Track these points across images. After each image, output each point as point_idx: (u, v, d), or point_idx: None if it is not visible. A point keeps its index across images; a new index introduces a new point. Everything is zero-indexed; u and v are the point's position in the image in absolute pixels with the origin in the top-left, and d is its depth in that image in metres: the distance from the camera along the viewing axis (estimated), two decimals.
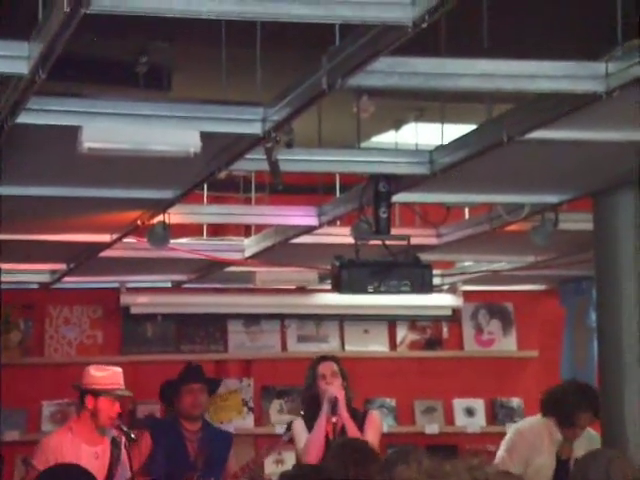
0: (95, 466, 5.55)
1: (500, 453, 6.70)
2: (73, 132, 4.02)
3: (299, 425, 6.48)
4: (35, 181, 5.09)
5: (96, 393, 6.43)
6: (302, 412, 6.63)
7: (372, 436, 6.34)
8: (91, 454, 6.31)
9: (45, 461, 6.09)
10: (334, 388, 6.33)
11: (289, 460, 8.43)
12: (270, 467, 8.46)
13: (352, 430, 6.28)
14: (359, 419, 6.42)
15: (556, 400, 6.55)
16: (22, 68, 3.46)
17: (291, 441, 6.66)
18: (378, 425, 6.54)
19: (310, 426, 6.37)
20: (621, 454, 4.92)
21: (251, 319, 8.89)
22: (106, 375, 6.52)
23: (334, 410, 6.26)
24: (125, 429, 6.51)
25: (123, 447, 6.49)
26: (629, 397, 5.46)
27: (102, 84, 4.76)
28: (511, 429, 6.91)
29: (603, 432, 5.60)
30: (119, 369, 6.63)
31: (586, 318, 8.16)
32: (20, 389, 8.15)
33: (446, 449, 8.58)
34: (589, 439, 6.61)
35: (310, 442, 6.30)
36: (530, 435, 6.65)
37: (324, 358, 6.65)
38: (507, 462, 6.51)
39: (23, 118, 3.91)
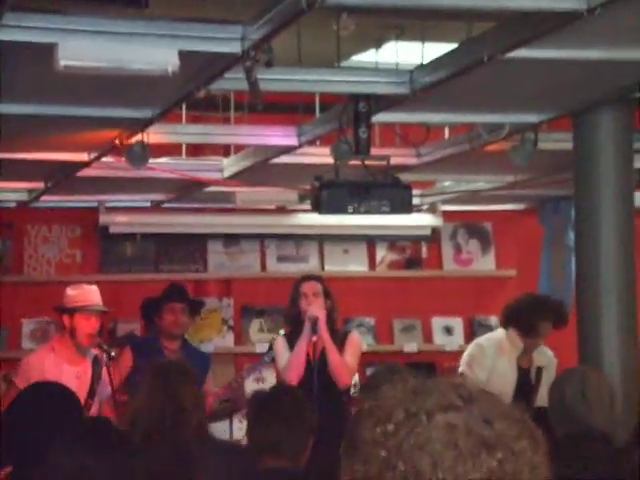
0: (76, 385, 5.59)
1: (461, 368, 6.84)
2: (49, 50, 3.97)
3: (280, 343, 6.53)
4: (12, 99, 5.04)
5: (71, 311, 6.48)
6: (283, 331, 6.68)
7: (350, 356, 6.42)
8: (72, 374, 6.36)
9: (26, 379, 6.12)
10: (315, 308, 6.36)
11: (270, 378, 8.51)
12: (251, 386, 8.53)
13: (331, 350, 6.34)
14: (339, 339, 6.47)
15: (517, 310, 6.73)
16: None
17: (273, 361, 6.72)
18: (358, 346, 6.60)
19: (292, 344, 6.42)
20: (595, 370, 5.00)
21: (231, 239, 8.90)
22: (80, 293, 6.57)
23: (314, 329, 6.30)
24: (105, 347, 6.56)
25: (104, 365, 6.53)
26: (606, 316, 5.52)
27: (77, 0, 4.68)
28: (471, 344, 7.04)
29: (580, 351, 5.67)
30: (94, 287, 6.67)
31: (564, 237, 8.21)
32: (0, 307, 8.17)
33: (425, 367, 8.67)
34: (545, 354, 6.80)
35: (291, 362, 6.35)
36: (489, 347, 6.80)
37: (307, 277, 6.68)
38: (469, 376, 6.62)
39: None
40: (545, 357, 6.87)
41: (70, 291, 6.61)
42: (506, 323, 6.81)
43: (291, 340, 6.46)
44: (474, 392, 1.60)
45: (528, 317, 6.66)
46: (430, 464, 1.52)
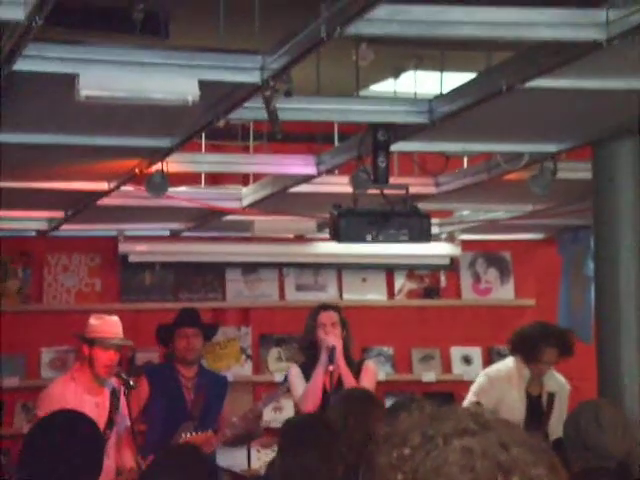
0: (95, 415, 5.57)
1: (469, 397, 6.83)
2: (70, 80, 4.00)
3: (295, 372, 6.52)
4: (33, 129, 5.07)
5: (90, 342, 6.47)
6: (296, 360, 6.67)
7: (368, 385, 6.40)
8: (92, 404, 6.34)
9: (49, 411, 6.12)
10: (332, 337, 6.36)
11: (288, 407, 8.50)
12: (269, 415, 8.52)
13: (348, 379, 6.33)
14: (355, 368, 6.46)
15: (522, 336, 6.79)
16: (19, 14, 3.43)
17: (288, 391, 6.70)
18: (373, 374, 6.59)
19: (307, 374, 6.41)
20: (610, 402, 4.98)
21: (249, 268, 8.91)
22: (101, 323, 6.54)
23: (331, 359, 6.30)
24: (124, 376, 6.55)
25: (122, 395, 6.52)
26: (626, 346, 5.49)
27: (98, 31, 4.72)
28: (480, 375, 7.04)
29: (599, 382, 5.63)
30: (115, 318, 6.65)
31: (583, 267, 8.18)
32: (19, 336, 8.19)
33: (443, 397, 8.64)
34: (556, 380, 6.79)
35: (308, 391, 6.34)
36: (498, 377, 6.82)
37: (325, 307, 6.67)
38: None
39: (20, 65, 3.89)
40: (556, 383, 6.86)
41: (92, 321, 6.59)
42: (513, 350, 6.83)
43: (305, 369, 6.45)
44: (491, 419, 1.60)
45: (531, 344, 6.71)
46: None
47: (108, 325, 6.56)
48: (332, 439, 4.30)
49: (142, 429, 6.80)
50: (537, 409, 6.72)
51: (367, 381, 6.44)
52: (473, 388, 6.90)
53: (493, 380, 6.80)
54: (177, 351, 7.01)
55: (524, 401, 6.72)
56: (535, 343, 6.68)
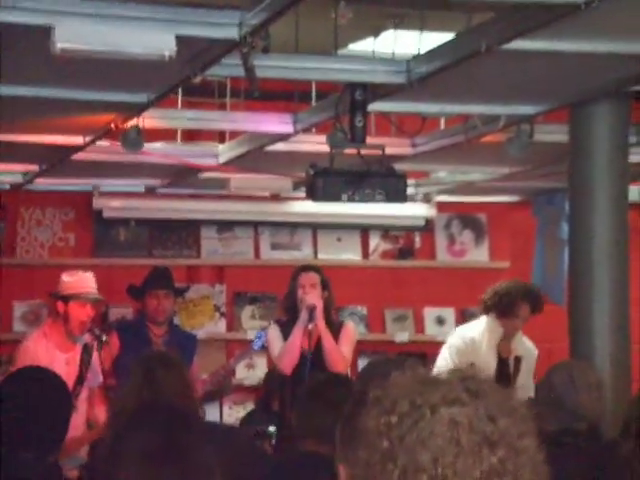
0: (65, 372, 5.58)
1: (443, 356, 6.86)
2: (46, 32, 3.96)
3: (274, 331, 6.53)
4: (8, 81, 5.02)
5: (66, 298, 6.45)
6: (276, 319, 6.69)
7: (345, 346, 6.44)
8: (63, 360, 6.35)
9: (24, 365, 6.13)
10: (313, 297, 6.37)
11: (260, 365, 8.52)
12: (241, 372, 8.54)
13: (327, 339, 6.36)
14: (334, 329, 6.48)
15: (496, 292, 6.82)
16: None
17: (261, 349, 6.72)
18: (352, 336, 6.62)
19: (286, 333, 6.42)
20: (583, 362, 5.02)
21: (224, 225, 8.89)
22: (75, 280, 6.54)
23: (311, 318, 6.31)
24: (97, 332, 6.55)
25: (95, 351, 6.52)
26: (598, 309, 5.53)
27: None
28: (452, 335, 7.07)
29: (571, 343, 5.68)
30: (90, 274, 6.64)
31: (558, 230, 8.21)
32: None
33: (416, 357, 8.67)
34: (524, 344, 6.85)
35: (285, 349, 6.35)
36: (469, 336, 6.85)
37: (305, 268, 6.67)
38: (448, 365, 6.66)
39: None
40: (524, 347, 6.92)
41: (66, 277, 6.58)
42: (485, 308, 6.89)
43: (285, 329, 6.46)
44: (483, 386, 1.59)
45: (507, 299, 6.77)
46: (431, 459, 1.53)
47: (83, 281, 6.56)
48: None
49: (113, 384, 6.81)
50: (504, 371, 6.77)
51: (346, 342, 6.48)
52: (447, 348, 6.92)
53: (465, 338, 6.85)
54: (148, 311, 7.02)
55: (494, 361, 6.77)
56: (511, 298, 6.76)
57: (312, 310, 6.31)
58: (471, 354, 6.76)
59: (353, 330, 6.70)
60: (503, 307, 6.77)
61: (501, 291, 6.85)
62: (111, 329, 7.19)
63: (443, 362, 6.79)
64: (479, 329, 6.89)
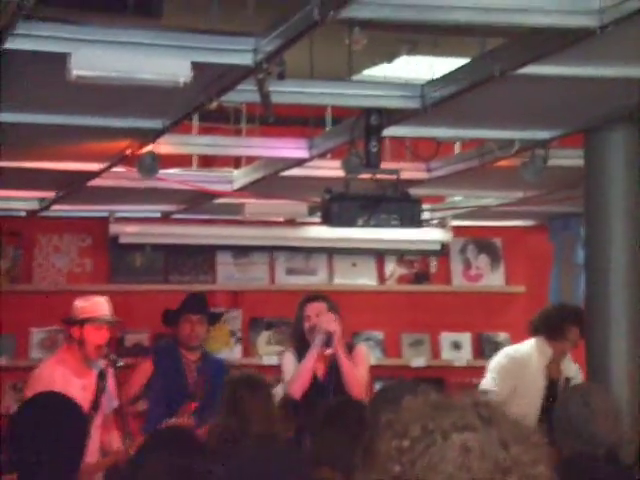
0: (81, 397, 5.57)
1: (489, 375, 6.82)
2: (62, 59, 3.98)
3: (289, 356, 6.53)
4: (24, 108, 5.06)
5: (81, 322, 6.46)
6: (289, 346, 6.70)
7: (362, 370, 6.44)
8: (79, 386, 6.34)
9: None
10: (330, 322, 6.36)
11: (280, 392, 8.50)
12: None
13: (346, 365, 6.35)
14: (347, 353, 6.47)
15: (546, 316, 6.86)
16: None
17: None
18: (366, 359, 6.63)
19: (301, 359, 6.41)
20: (599, 386, 4.99)
21: (240, 251, 8.90)
22: (90, 304, 6.56)
23: (329, 343, 6.31)
24: (113, 357, 6.55)
25: (111, 376, 6.52)
26: (615, 333, 5.50)
27: (90, 10, 4.69)
28: (499, 354, 7.06)
29: (588, 369, 5.65)
30: (103, 298, 6.66)
31: (574, 255, 8.19)
32: (9, 316, 8.17)
33: (432, 382, 8.65)
34: (572, 366, 6.82)
35: (298, 374, 6.34)
36: (518, 356, 6.83)
37: (310, 299, 6.67)
38: (495, 384, 6.63)
39: (11, 44, 3.87)
40: (573, 369, 6.90)
41: (80, 303, 6.59)
42: (534, 331, 6.89)
43: (301, 356, 6.46)
44: (495, 412, 1.58)
45: (556, 321, 6.79)
46: None
47: (98, 304, 6.58)
48: (364, 428, 4.30)
49: (145, 408, 6.83)
50: (554, 393, 6.72)
51: (361, 365, 6.49)
52: (493, 367, 6.89)
53: (513, 358, 6.85)
54: (181, 336, 7.05)
55: (544, 382, 6.75)
56: (560, 320, 6.79)
57: (330, 336, 6.30)
58: (518, 373, 6.73)
59: (366, 352, 6.72)
60: (552, 330, 6.79)
61: (549, 313, 6.89)
62: (148, 353, 7.20)
63: (490, 381, 6.77)
64: (527, 350, 6.90)
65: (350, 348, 6.59)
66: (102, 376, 6.50)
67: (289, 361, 6.51)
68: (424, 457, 1.53)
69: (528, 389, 6.60)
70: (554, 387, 6.77)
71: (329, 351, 6.32)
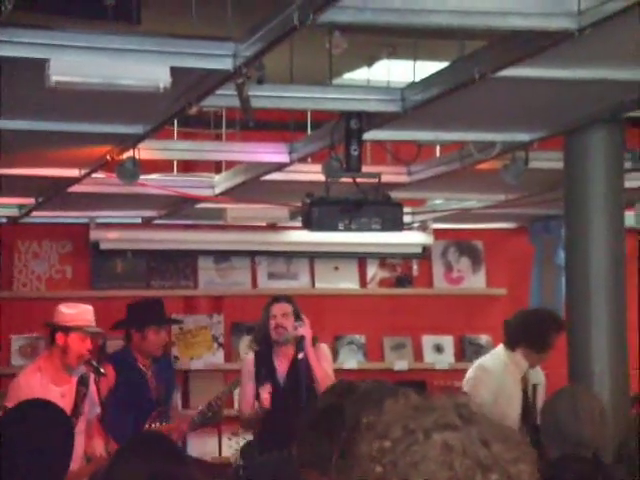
0: (61, 405, 5.55)
1: (466, 390, 6.72)
2: (41, 65, 3.97)
3: (249, 363, 6.67)
4: (3, 114, 5.03)
5: (67, 330, 6.44)
6: (251, 350, 6.83)
7: (328, 368, 6.65)
8: (58, 393, 6.32)
9: (17, 401, 6.11)
10: (299, 327, 6.54)
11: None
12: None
13: (319, 368, 6.54)
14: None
15: (528, 324, 6.57)
16: None
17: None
18: (328, 356, 6.82)
19: (261, 363, 6.60)
20: (583, 387, 5.00)
21: (221, 256, 8.90)
22: (77, 312, 6.53)
23: (300, 348, 6.48)
24: (94, 364, 6.53)
25: (93, 383, 6.50)
26: (596, 335, 5.52)
27: (69, 16, 4.68)
28: (474, 366, 6.90)
29: (570, 370, 5.66)
30: (89, 307, 6.63)
31: (555, 256, 8.22)
32: None
33: (415, 385, 8.65)
34: (537, 372, 6.73)
35: (240, 397, 6.77)
36: (494, 368, 6.69)
37: (277, 299, 6.81)
38: (475, 399, 6.56)
39: None
40: (538, 375, 6.82)
41: (66, 309, 6.57)
42: (513, 342, 6.65)
43: (260, 359, 6.66)
44: (475, 412, 1.59)
45: (538, 331, 6.50)
46: None
47: (85, 313, 6.57)
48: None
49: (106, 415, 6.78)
50: (526, 402, 6.66)
51: (326, 363, 6.67)
52: (469, 382, 6.72)
53: (491, 371, 6.67)
54: (146, 345, 7.00)
55: (520, 393, 6.62)
56: (543, 330, 6.49)
57: (301, 340, 6.43)
58: (496, 388, 6.57)
59: (327, 350, 6.88)
60: (535, 340, 6.50)
61: (532, 322, 6.58)
62: (106, 361, 7.17)
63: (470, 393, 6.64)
64: (501, 360, 6.68)
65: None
66: (84, 381, 6.48)
67: (248, 367, 6.70)
68: (405, 457, 1.53)
69: (506, 400, 6.50)
70: (525, 397, 6.70)
71: (300, 355, 6.43)
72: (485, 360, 6.86)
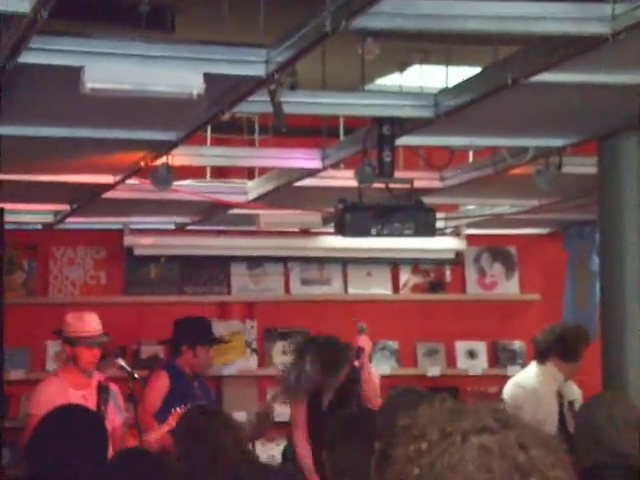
0: None
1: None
2: (76, 72, 4.00)
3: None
4: (38, 121, 5.08)
5: (72, 342, 6.54)
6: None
7: (376, 389, 6.64)
8: (79, 397, 6.39)
9: (38, 406, 6.22)
10: (362, 340, 6.61)
11: None
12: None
13: (368, 381, 6.52)
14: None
15: (556, 335, 6.66)
16: (24, 6, 3.43)
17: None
18: (377, 378, 6.82)
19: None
20: (621, 395, 4.96)
21: (254, 262, 8.91)
22: (79, 323, 6.61)
23: (358, 355, 6.51)
24: (129, 369, 6.57)
25: (116, 390, 6.58)
26: (630, 341, 5.49)
27: (104, 24, 4.72)
28: (510, 385, 6.89)
29: (604, 376, 5.63)
30: (93, 314, 6.70)
31: (589, 262, 8.17)
32: (25, 329, 8.19)
33: (448, 391, 8.62)
34: (573, 388, 6.74)
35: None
36: (529, 384, 6.69)
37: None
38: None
39: (25, 58, 3.89)
40: (574, 391, 6.79)
41: (70, 319, 6.66)
42: (544, 356, 6.71)
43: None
44: (511, 417, 1.59)
45: (569, 341, 6.67)
46: None
47: (88, 323, 6.62)
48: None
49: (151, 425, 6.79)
50: (562, 415, 6.65)
51: (374, 385, 6.68)
52: (507, 401, 6.70)
53: (528, 390, 6.67)
54: (196, 363, 7.04)
55: (557, 407, 6.63)
56: (574, 338, 6.67)
57: (360, 351, 6.51)
58: (533, 405, 6.55)
59: (377, 374, 6.94)
60: (566, 351, 6.64)
61: (562, 334, 6.72)
62: (160, 368, 7.17)
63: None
64: (538, 378, 6.72)
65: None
66: (103, 389, 6.51)
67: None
68: (443, 458, 1.53)
69: (544, 416, 6.48)
70: (562, 412, 6.69)
71: (357, 363, 6.49)
72: (519, 377, 6.90)
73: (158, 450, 6.06)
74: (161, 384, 6.87)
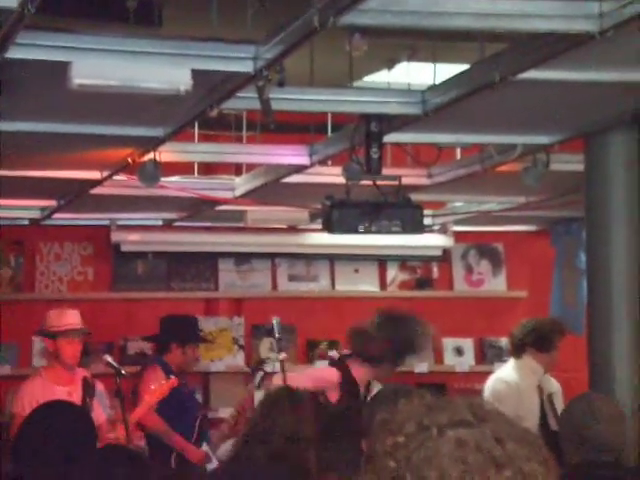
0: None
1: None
2: (63, 68, 3.99)
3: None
4: (25, 117, 5.07)
5: (52, 336, 6.56)
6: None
7: None
8: (64, 393, 6.40)
9: (22, 405, 6.25)
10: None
11: None
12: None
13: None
14: None
15: (532, 328, 6.73)
16: (11, 1, 3.42)
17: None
18: None
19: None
20: (600, 394, 4.98)
21: (242, 258, 8.91)
22: (59, 317, 6.66)
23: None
24: (115, 365, 6.56)
25: (97, 385, 6.59)
26: (617, 339, 5.50)
27: (91, 19, 4.71)
28: (492, 380, 6.93)
29: (590, 373, 5.65)
30: (75, 311, 6.73)
31: (576, 259, 8.19)
32: (11, 325, 8.17)
33: (435, 388, 8.65)
34: (551, 382, 6.78)
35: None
36: (510, 378, 6.73)
37: None
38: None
39: (12, 53, 3.88)
40: (553, 384, 6.84)
41: (51, 314, 6.72)
42: (519, 349, 6.77)
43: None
44: (489, 412, 1.60)
45: (544, 332, 6.74)
46: (437, 478, 1.53)
47: (67, 317, 6.67)
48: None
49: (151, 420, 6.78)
50: (542, 409, 6.68)
51: None
52: (489, 395, 6.76)
53: (511, 385, 6.72)
54: (183, 360, 7.04)
55: (538, 400, 6.68)
56: (548, 330, 6.75)
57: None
58: (515, 400, 6.59)
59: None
60: (541, 342, 6.71)
61: (536, 327, 6.80)
62: (148, 363, 7.16)
63: None
64: (517, 372, 6.77)
65: None
66: (87, 385, 6.52)
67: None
68: (419, 452, 1.54)
69: (526, 409, 6.51)
70: (541, 403, 6.72)
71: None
72: (501, 373, 6.94)
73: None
74: (160, 378, 6.87)
